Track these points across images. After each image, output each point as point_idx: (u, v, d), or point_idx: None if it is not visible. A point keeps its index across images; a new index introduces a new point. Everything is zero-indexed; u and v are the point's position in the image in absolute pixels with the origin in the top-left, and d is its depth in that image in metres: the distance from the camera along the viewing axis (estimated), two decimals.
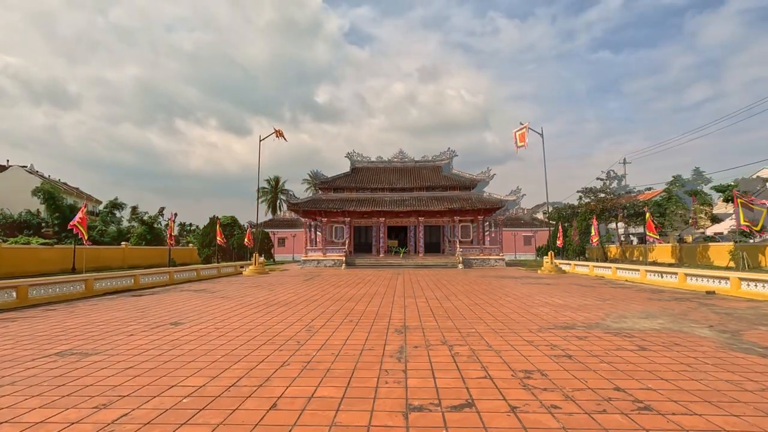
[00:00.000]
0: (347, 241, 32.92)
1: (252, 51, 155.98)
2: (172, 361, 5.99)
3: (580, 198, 41.23)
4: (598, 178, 40.00)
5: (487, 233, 34.51)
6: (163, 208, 46.19)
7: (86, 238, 17.04)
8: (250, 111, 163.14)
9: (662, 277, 16.73)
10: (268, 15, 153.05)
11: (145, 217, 46.54)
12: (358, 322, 8.87)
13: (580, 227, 35.16)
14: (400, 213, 33.31)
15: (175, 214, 24.54)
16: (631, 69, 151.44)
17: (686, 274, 15.51)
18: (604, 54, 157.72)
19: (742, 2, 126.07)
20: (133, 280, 16.08)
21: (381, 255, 32.34)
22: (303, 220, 37.07)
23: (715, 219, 45.67)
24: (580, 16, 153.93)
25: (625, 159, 49.05)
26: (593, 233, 26.28)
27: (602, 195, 38.43)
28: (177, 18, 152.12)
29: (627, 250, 42.03)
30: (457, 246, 31.38)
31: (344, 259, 29.58)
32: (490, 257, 31.15)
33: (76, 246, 23.62)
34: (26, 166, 60.51)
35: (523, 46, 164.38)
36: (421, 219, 32.63)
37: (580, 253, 37.03)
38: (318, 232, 36.53)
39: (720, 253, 29.29)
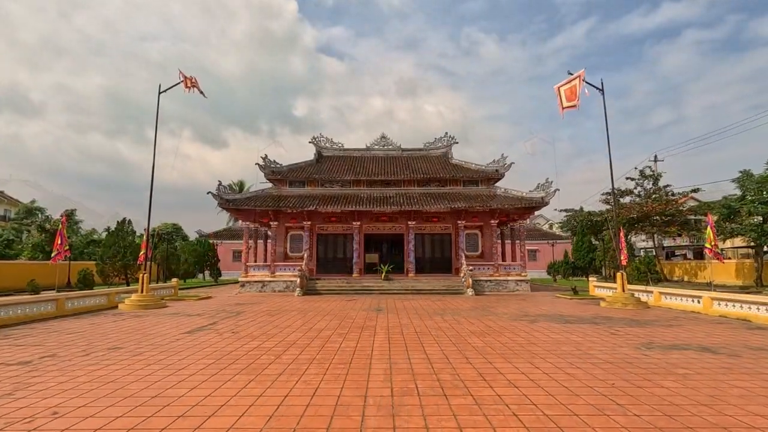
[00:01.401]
0: (307, 255, 25.13)
1: (228, 63, 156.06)
2: None
3: (608, 201, 38.37)
4: (628, 178, 36.68)
5: (497, 242, 25.93)
6: (125, 219, 38.44)
7: None
8: (225, 122, 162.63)
9: None
10: (243, 27, 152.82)
11: (47, 224, 38.82)
12: None
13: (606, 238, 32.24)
14: (382, 215, 25.80)
15: (68, 214, 20.35)
16: (598, 93, 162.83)
17: None
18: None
19: (696, 34, 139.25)
20: None
21: (355, 275, 24.83)
22: (243, 225, 27.26)
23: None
24: (548, 43, 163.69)
25: (656, 156, 43.52)
26: (621, 247, 19.84)
27: (638, 199, 35.83)
28: (148, 28, 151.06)
29: (666, 267, 37.80)
30: (463, 262, 24.02)
31: (300, 281, 22.16)
32: (509, 278, 23.90)
33: None
34: None
35: (496, 69, 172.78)
36: (411, 224, 25.11)
37: (595, 270, 34.80)
38: (270, 242, 26.81)
39: None
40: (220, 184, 23.80)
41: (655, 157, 41.52)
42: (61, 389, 5.60)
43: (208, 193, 23.29)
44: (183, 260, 34.76)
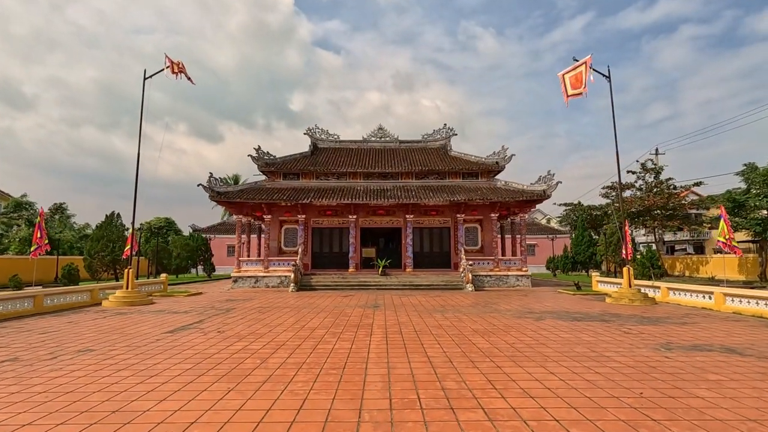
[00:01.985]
0: (302, 250, 24.16)
1: (223, 56, 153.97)
2: None
3: (607, 195, 37.65)
4: (629, 171, 35.77)
5: (497, 236, 25.51)
6: (113, 212, 35.25)
7: None
8: (221, 116, 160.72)
9: None
10: (239, 19, 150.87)
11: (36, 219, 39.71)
12: None
13: (609, 233, 31.52)
14: (379, 209, 25.26)
15: (56, 208, 20.16)
16: (596, 87, 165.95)
17: None
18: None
19: (692, 30, 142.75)
20: None
21: (352, 270, 23.96)
22: (235, 218, 26.08)
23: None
24: (545, 38, 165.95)
25: (657, 149, 42.17)
26: (625, 241, 17.66)
27: (639, 192, 35.08)
28: (143, 20, 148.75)
29: (666, 262, 37.04)
30: (462, 256, 23.05)
31: (294, 276, 21.17)
32: (509, 273, 23.27)
33: None
34: None
35: (493, 64, 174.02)
36: (409, 218, 24.26)
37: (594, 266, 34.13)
38: (263, 237, 26.55)
39: None
40: (211, 176, 22.97)
41: (656, 150, 40.88)
42: (9, 402, 4.87)
43: (198, 185, 22.45)
44: (175, 255, 33.93)
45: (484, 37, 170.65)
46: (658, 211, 34.05)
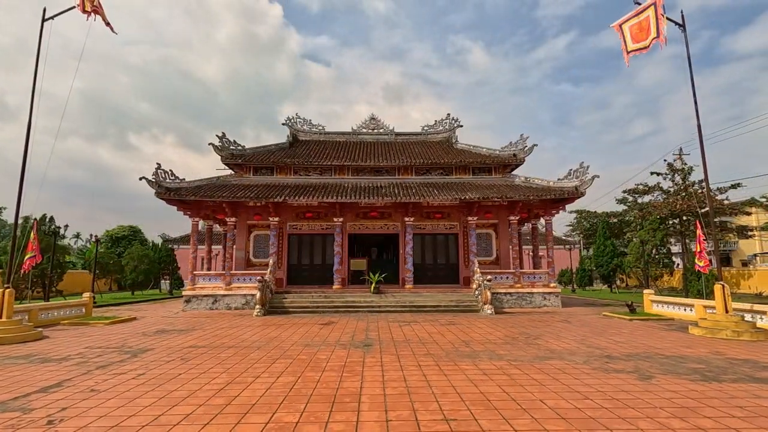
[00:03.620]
0: (274, 261, 19.48)
1: (211, 68, 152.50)
2: None
3: (624, 200, 33.46)
4: (653, 173, 31.46)
5: (515, 244, 20.16)
6: (44, 216, 27.89)
7: None
8: (210, 128, 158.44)
9: None
10: (228, 31, 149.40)
11: None
12: None
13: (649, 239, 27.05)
14: (371, 210, 20.91)
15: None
16: (582, 103, 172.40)
17: None
18: (564, 87, 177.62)
19: (671, 48, 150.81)
20: None
21: (337, 286, 19.27)
22: (192, 222, 20.68)
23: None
24: (530, 55, 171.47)
25: (681, 149, 37.55)
26: (699, 249, 13.38)
27: (664, 196, 30.98)
28: (130, 32, 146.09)
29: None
30: (476, 269, 18.54)
31: (261, 296, 16.46)
32: (533, 290, 18.78)
33: None
34: None
35: (481, 79, 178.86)
36: (408, 221, 19.85)
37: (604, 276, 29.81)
38: (227, 246, 21.70)
39: None
40: (159, 167, 18.29)
41: (680, 150, 36.78)
42: None
43: (141, 179, 17.70)
44: (130, 268, 28.87)
45: (472, 53, 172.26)
46: (687, 217, 30.03)
